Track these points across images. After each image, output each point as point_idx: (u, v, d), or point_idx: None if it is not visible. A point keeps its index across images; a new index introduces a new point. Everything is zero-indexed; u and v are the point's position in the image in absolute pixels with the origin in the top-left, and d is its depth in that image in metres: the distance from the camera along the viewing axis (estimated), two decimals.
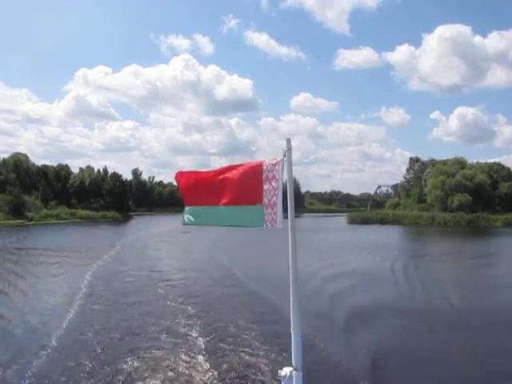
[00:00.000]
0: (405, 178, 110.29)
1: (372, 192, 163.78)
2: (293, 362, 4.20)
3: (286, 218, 4.17)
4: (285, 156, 4.29)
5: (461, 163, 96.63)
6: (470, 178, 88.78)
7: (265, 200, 4.31)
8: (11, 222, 66.39)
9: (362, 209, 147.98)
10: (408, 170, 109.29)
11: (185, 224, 4.67)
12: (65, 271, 24.01)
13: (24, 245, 38.58)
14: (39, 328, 13.46)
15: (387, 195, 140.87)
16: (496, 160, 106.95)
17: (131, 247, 36.86)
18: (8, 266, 25.86)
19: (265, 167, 4.34)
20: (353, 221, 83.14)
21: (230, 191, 4.42)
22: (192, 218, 4.62)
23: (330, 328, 13.79)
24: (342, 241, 46.01)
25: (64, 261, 27.83)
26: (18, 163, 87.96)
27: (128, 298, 17.28)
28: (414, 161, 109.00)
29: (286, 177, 4.35)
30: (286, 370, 4.27)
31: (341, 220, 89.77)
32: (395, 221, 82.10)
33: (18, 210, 70.70)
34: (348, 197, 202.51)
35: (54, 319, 14.24)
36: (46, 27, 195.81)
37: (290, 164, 4.32)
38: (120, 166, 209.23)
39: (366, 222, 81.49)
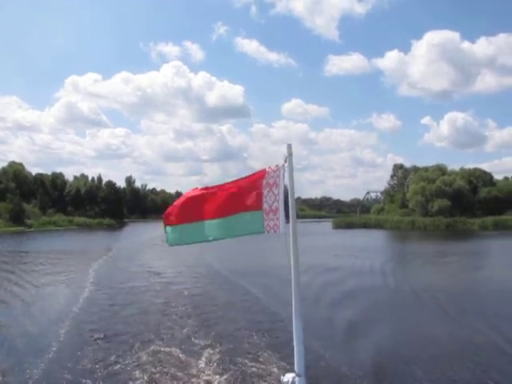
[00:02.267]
0: (389, 184, 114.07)
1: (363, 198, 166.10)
2: (295, 367, 4.23)
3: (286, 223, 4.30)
4: (286, 162, 4.33)
5: (441, 169, 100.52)
6: (449, 183, 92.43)
7: (265, 206, 4.31)
8: (12, 228, 70.10)
9: (352, 214, 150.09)
10: (392, 176, 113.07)
11: (172, 245, 4.56)
12: (72, 269, 27.73)
13: (29, 248, 42.81)
14: (49, 320, 15.16)
15: (377, 200, 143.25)
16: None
17: (127, 250, 40.85)
18: (18, 265, 29.54)
19: (266, 174, 4.36)
20: (337, 225, 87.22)
21: (229, 203, 4.39)
22: (184, 237, 4.54)
23: (328, 329, 14.03)
24: (322, 244, 49.57)
25: (70, 261, 31.89)
26: (17, 172, 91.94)
27: (127, 297, 19.03)
28: (397, 167, 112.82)
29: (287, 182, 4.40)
30: (288, 376, 4.28)
31: (328, 225, 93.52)
32: (378, 225, 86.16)
33: (18, 218, 74.58)
34: (338, 202, 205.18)
35: (65, 310, 16.54)
36: (35, 35, 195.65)
37: (291, 169, 4.36)
38: (112, 172, 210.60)
39: (349, 226, 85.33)
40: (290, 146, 4.33)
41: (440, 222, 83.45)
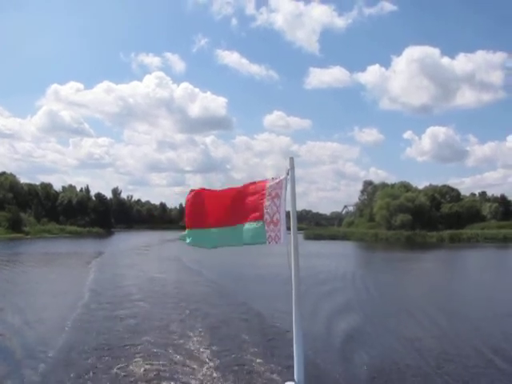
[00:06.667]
0: (359, 200, 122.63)
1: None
2: (295, 376, 4.28)
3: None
4: (288, 174, 4.47)
5: (406, 187, 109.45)
6: (411, 199, 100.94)
7: (266, 217, 4.46)
8: (11, 235, 77.10)
9: (330, 227, 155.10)
10: (362, 191, 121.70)
11: (189, 245, 4.88)
12: (75, 265, 35.28)
13: (35, 251, 50.60)
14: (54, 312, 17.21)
15: (354, 214, 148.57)
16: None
17: (117, 253, 48.13)
18: (26, 261, 36.35)
19: (268, 185, 4.51)
20: (308, 237, 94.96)
21: (232, 212, 4.59)
22: (195, 240, 4.79)
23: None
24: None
25: (72, 259, 39.83)
26: (13, 184, 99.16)
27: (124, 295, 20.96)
28: (367, 183, 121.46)
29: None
30: None
31: (300, 236, 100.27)
32: (344, 237, 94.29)
33: (16, 226, 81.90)
34: (317, 216, 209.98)
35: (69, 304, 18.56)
36: (15, 43, 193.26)
37: (293, 182, 4.51)
38: (94, 182, 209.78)
39: (318, 238, 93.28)
40: (292, 160, 4.48)
41: (401, 234, 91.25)
